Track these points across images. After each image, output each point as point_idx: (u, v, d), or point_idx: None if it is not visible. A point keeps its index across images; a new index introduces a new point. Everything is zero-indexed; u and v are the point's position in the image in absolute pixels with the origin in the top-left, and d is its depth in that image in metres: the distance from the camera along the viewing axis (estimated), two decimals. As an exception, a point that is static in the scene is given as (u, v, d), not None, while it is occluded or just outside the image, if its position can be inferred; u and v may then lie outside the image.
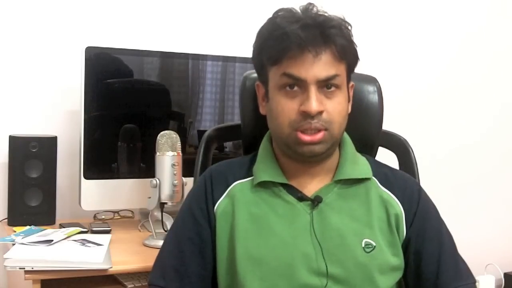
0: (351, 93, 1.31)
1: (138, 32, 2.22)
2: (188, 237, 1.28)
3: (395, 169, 1.39)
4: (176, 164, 1.76)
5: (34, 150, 1.91)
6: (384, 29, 2.64)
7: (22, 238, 1.70)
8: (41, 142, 1.93)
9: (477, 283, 2.42)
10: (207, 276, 1.28)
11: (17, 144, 1.92)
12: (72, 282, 1.55)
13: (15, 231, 1.81)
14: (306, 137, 1.21)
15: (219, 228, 1.27)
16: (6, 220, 1.95)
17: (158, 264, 1.31)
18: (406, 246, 1.28)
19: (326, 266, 1.21)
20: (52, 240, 1.67)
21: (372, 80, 1.51)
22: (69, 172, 2.07)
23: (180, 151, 1.78)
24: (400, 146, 1.60)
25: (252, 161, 1.34)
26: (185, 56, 2.06)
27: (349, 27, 1.24)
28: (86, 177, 1.92)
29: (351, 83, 1.31)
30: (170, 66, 2.08)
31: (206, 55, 2.08)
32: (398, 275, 1.28)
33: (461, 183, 2.84)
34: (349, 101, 1.29)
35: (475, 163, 2.88)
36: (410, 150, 1.59)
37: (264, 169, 1.29)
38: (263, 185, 1.28)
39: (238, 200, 1.28)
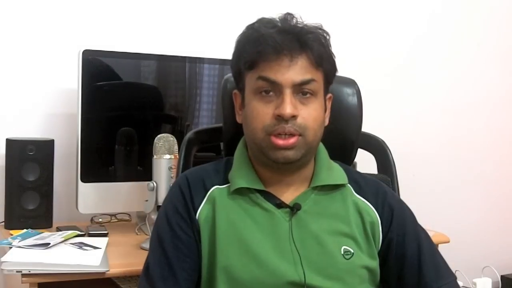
0: (328, 105, 1.30)
1: (135, 35, 2.22)
2: (173, 245, 1.24)
3: (365, 175, 1.39)
4: (173, 167, 1.76)
5: (31, 153, 1.91)
6: (362, 32, 2.63)
7: (19, 241, 1.70)
8: (38, 145, 1.93)
9: (474, 286, 2.44)
10: (194, 282, 1.25)
11: (14, 147, 1.91)
12: (69, 285, 1.55)
13: (12, 235, 1.80)
14: (279, 141, 1.20)
15: (203, 234, 1.25)
16: (3, 223, 1.95)
17: (145, 274, 1.25)
18: (386, 252, 1.29)
19: (304, 276, 1.20)
20: (49, 244, 1.67)
21: (351, 83, 1.52)
22: (66, 175, 2.07)
23: (177, 154, 1.78)
24: (378, 148, 1.62)
25: (227, 167, 1.32)
26: (182, 59, 2.07)
27: (327, 36, 1.25)
28: (83, 180, 1.92)
29: (329, 94, 1.30)
30: (167, 69, 2.08)
31: (203, 58, 2.09)
32: (376, 280, 1.29)
33: (456, 184, 2.84)
34: (325, 112, 1.28)
35: (466, 164, 2.87)
36: (388, 151, 1.60)
37: (241, 176, 1.27)
38: (240, 192, 1.26)
39: (218, 205, 1.25)
